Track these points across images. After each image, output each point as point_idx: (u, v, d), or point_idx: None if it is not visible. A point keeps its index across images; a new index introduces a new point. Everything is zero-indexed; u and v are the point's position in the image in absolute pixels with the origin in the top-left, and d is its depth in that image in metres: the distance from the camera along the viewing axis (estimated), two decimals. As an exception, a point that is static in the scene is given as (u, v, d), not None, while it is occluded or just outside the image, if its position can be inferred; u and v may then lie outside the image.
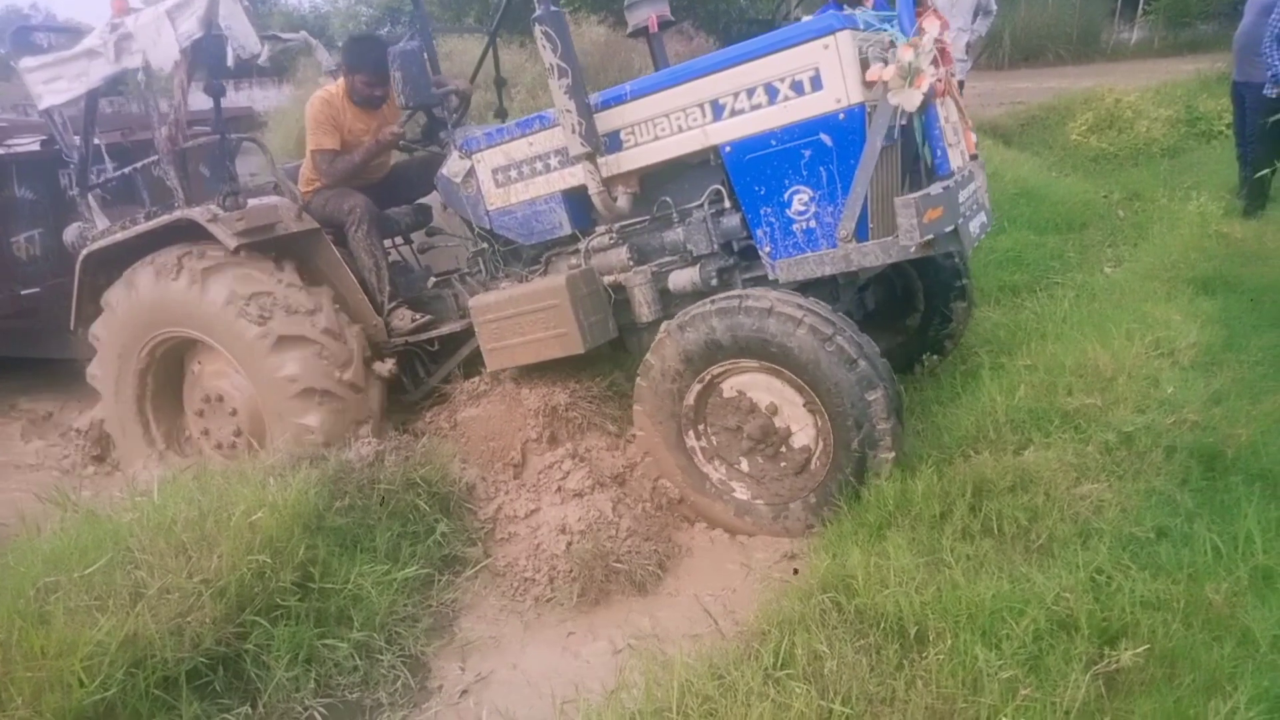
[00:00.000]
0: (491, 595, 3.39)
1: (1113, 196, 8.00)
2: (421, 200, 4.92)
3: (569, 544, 3.40)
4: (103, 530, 3.12)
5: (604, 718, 2.40)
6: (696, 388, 3.54)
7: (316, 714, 2.77)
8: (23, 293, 5.90)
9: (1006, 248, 6.40)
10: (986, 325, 5.03)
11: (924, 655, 2.40)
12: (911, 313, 4.68)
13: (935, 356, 4.45)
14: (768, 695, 2.28)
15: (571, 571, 3.32)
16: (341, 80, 4.53)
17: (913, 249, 3.25)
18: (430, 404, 4.47)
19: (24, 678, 2.45)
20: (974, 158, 3.98)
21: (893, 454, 3.24)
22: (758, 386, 3.50)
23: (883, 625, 2.53)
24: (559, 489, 3.78)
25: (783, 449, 3.52)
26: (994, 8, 8.06)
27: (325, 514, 3.28)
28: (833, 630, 2.54)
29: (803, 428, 3.46)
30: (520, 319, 3.84)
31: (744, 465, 3.61)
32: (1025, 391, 3.67)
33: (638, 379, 3.63)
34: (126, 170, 4.77)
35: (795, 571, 3.18)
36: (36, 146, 6.00)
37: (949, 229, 3.29)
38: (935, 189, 3.31)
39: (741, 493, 3.61)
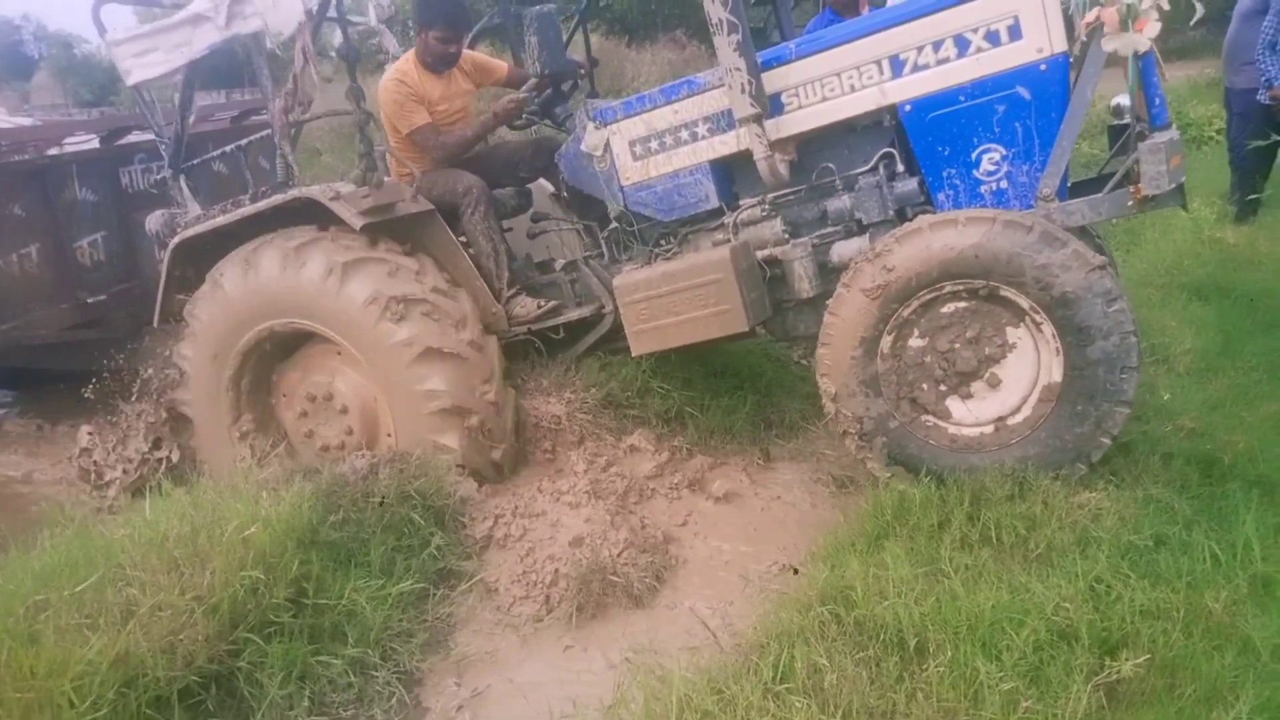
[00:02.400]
0: (487, 610, 3.35)
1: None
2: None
3: (567, 557, 3.38)
4: (94, 546, 3.07)
5: (602, 734, 2.38)
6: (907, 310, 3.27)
7: (311, 732, 2.74)
8: (89, 300, 5.57)
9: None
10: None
11: (924, 667, 2.38)
12: None
13: None
14: (768, 710, 2.26)
15: (568, 585, 3.29)
16: (411, 52, 4.31)
17: (1116, 206, 3.15)
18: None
19: (13, 699, 2.41)
20: None
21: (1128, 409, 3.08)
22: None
23: (882, 637, 2.51)
24: (556, 500, 3.76)
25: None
26: None
27: (319, 528, 3.25)
28: (832, 643, 2.52)
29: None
30: (675, 297, 3.58)
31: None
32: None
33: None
34: (223, 151, 4.52)
35: (795, 571, 3.12)
36: (96, 144, 5.74)
37: (1182, 179, 3.14)
38: (1173, 134, 3.18)
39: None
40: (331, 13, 4.13)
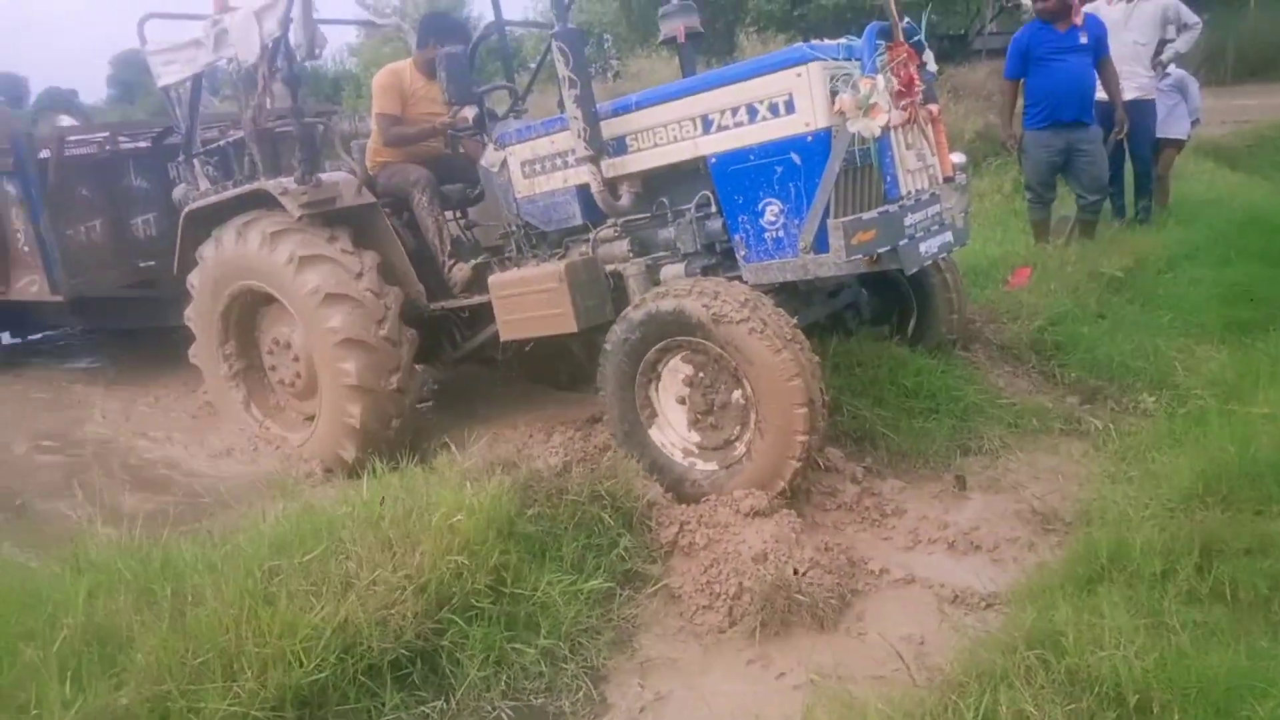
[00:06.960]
0: (670, 615, 3.38)
1: (1362, 226, 7.14)
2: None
3: (751, 571, 3.36)
4: (319, 521, 3.35)
5: (789, 754, 2.34)
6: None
7: (504, 715, 2.85)
8: (141, 265, 6.97)
9: (1233, 281, 5.85)
10: (1211, 365, 4.60)
11: (1146, 729, 2.20)
12: (905, 319, 4.99)
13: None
14: (970, 753, 2.16)
15: (752, 600, 3.27)
16: (413, 57, 5.22)
17: (844, 265, 3.60)
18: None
19: (253, 652, 2.66)
20: (949, 180, 4.13)
21: (799, 464, 3.62)
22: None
23: (1098, 690, 2.34)
24: (738, 510, 3.75)
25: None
26: (1193, 20, 7.30)
27: (516, 520, 3.38)
28: (1039, 690, 2.37)
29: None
30: (526, 297, 4.26)
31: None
32: (1264, 443, 3.32)
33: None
34: (221, 144, 5.95)
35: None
36: (147, 144, 7.15)
37: (884, 249, 3.63)
38: (870, 214, 3.68)
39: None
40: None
